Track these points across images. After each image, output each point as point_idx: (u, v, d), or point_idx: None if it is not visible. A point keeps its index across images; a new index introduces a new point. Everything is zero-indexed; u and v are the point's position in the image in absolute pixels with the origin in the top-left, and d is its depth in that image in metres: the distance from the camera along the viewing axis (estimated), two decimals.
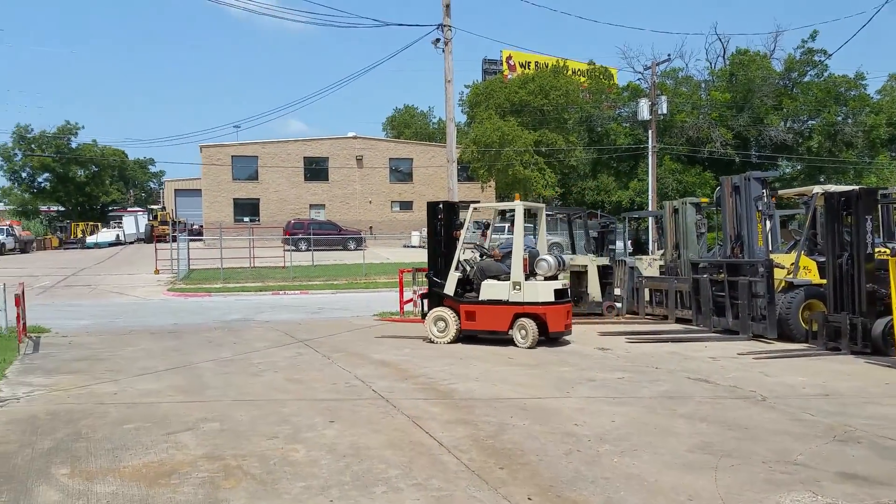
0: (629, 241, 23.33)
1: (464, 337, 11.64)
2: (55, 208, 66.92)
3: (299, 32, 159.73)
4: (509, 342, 11.25)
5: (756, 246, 12.58)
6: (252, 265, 29.84)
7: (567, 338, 11.72)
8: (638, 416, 6.91)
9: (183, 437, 6.34)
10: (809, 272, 12.32)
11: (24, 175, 62.62)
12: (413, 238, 44.02)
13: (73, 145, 62.98)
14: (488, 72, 67.20)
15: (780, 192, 15.39)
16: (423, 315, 12.00)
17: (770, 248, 13.24)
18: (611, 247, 15.96)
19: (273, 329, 13.77)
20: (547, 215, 19.91)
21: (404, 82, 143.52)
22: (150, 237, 48.66)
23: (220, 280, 25.15)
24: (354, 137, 51.71)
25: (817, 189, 12.85)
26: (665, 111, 34.81)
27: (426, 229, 12.37)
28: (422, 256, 34.00)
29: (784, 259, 12.69)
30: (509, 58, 64.24)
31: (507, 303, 11.05)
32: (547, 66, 51.42)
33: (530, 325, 10.87)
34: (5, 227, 44.60)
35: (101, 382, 8.86)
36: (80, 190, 64.04)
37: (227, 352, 11.11)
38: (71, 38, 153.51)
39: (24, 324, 12.98)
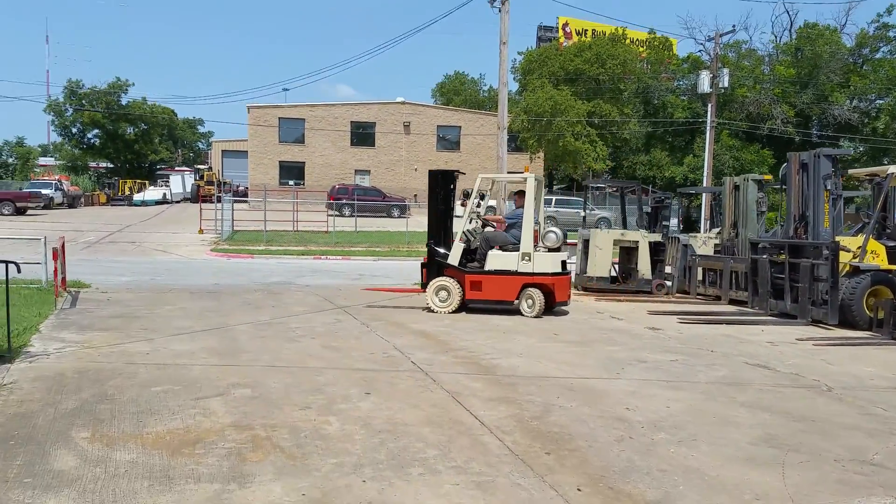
0: (679, 218, 22.46)
1: (466, 308, 11.48)
2: (104, 165, 68.13)
3: None
4: (506, 312, 11.32)
5: (821, 227, 11.77)
6: (295, 229, 29.79)
7: (615, 316, 11.37)
8: (694, 403, 6.39)
9: (212, 403, 6.04)
10: (877, 257, 11.53)
11: (74, 131, 63.73)
12: (458, 208, 43.51)
13: (123, 102, 63.76)
14: (543, 39, 65.55)
15: (850, 171, 14.42)
16: (423, 286, 11.66)
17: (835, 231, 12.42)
18: (664, 223, 15.26)
19: (313, 294, 13.51)
20: (596, 188, 19.27)
21: (456, 49, 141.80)
22: (196, 197, 49.10)
23: (262, 242, 25.11)
24: (402, 103, 51.11)
25: (893, 169, 11.94)
26: (726, 85, 33.37)
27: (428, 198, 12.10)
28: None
29: (850, 242, 11.87)
30: (566, 24, 62.49)
31: (515, 273, 11.13)
32: (605, 35, 49.83)
33: (538, 294, 11.08)
34: (54, 182, 45.43)
35: (134, 341, 8.66)
36: (128, 147, 64.97)
37: (264, 315, 10.86)
38: None
39: (64, 278, 12.98)
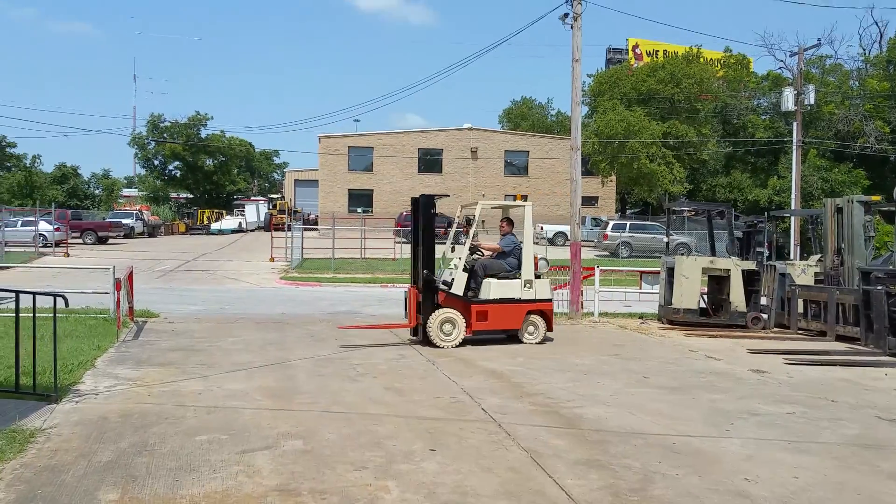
0: (765, 244, 20.89)
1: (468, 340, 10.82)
2: (184, 195, 70.16)
3: (420, 27, 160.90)
4: (501, 342, 10.99)
5: None
6: (363, 256, 29.45)
7: (711, 355, 10.29)
8: (829, 473, 5.28)
9: (258, 459, 5.34)
10: None
11: (156, 163, 65.97)
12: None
13: (203, 135, 65.71)
14: (612, 61, 64.37)
15: None
16: (422, 324, 10.63)
17: None
18: (758, 249, 13.95)
19: None
20: (680, 211, 18.02)
21: (522, 74, 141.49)
22: (269, 225, 49.72)
23: (331, 270, 24.80)
24: (470, 129, 50.72)
25: None
26: (812, 101, 31.41)
27: (411, 225, 11.35)
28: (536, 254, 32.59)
29: None
30: (636, 46, 61.15)
31: (520, 301, 10.96)
32: (677, 55, 48.27)
33: (541, 321, 11.11)
34: (135, 212, 46.79)
35: (188, 378, 8.13)
36: (207, 178, 66.77)
37: (326, 349, 10.24)
38: (195, 26, 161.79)
39: (132, 307, 12.77)
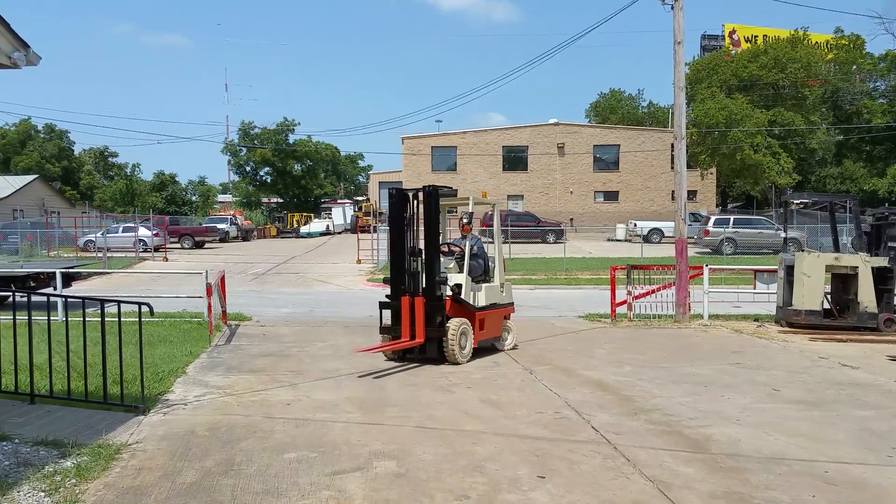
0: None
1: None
2: (275, 200, 71.98)
3: (504, 24, 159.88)
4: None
5: None
6: None
7: (846, 363, 9.27)
8: None
9: (348, 483, 4.85)
10: None
11: (248, 169, 67.93)
12: (618, 231, 40.98)
13: (291, 141, 67.15)
14: (707, 48, 61.50)
15: None
16: (384, 330, 9.45)
17: None
18: (891, 244, 12.54)
19: None
20: (798, 203, 16.58)
21: (611, 66, 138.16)
22: (355, 227, 50.20)
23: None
24: (556, 124, 49.52)
25: None
26: None
27: (389, 224, 9.99)
28: (630, 251, 31.28)
29: None
30: (732, 31, 58.22)
31: (502, 305, 10.34)
32: (779, 39, 45.45)
33: (511, 326, 10.58)
34: (229, 217, 48.16)
35: (278, 387, 7.83)
36: (296, 183, 68.23)
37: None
38: (280, 33, 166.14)
39: (224, 311, 12.77)
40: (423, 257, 9.14)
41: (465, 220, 9.90)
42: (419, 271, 9.20)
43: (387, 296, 9.51)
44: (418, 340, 9.02)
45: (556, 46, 64.79)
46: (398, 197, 9.43)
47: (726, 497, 4.59)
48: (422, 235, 9.32)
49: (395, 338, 9.17)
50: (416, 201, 9.43)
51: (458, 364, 8.99)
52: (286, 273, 26.47)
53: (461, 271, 9.66)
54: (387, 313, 9.45)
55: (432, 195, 9.25)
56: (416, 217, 9.42)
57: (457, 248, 10.25)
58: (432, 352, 9.15)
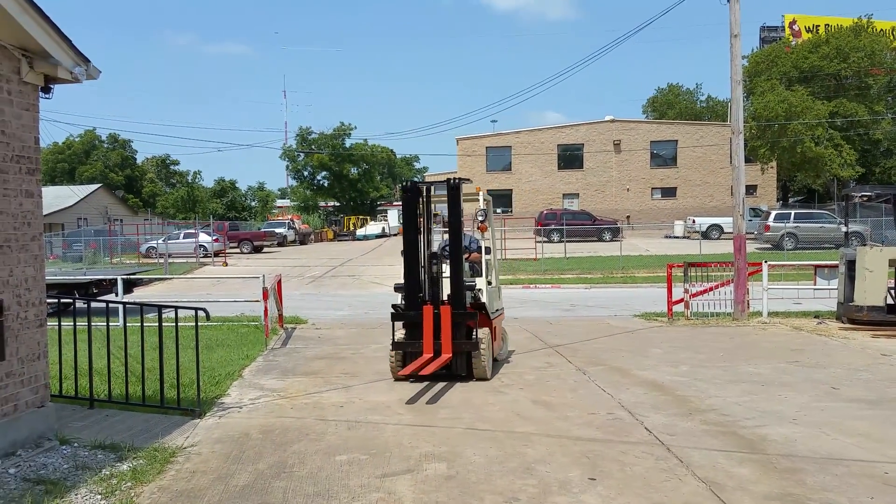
0: None
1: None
2: (332, 203, 73.04)
3: (559, 22, 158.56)
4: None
5: None
6: (503, 257, 28.97)
7: None
8: None
9: (399, 485, 4.90)
10: None
11: (305, 174, 69.09)
12: (676, 228, 40.18)
13: (347, 144, 68.05)
14: (766, 40, 59.63)
15: None
16: (398, 346, 8.17)
17: None
18: None
19: (522, 329, 12.25)
20: (861, 196, 15.98)
21: (668, 61, 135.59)
22: None
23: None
24: (612, 121, 48.87)
25: None
26: None
27: (402, 222, 8.55)
28: (688, 248, 30.62)
29: None
30: (793, 22, 56.33)
31: (500, 311, 9.62)
32: (842, 28, 43.76)
33: (507, 332, 10.07)
34: (287, 221, 49.13)
35: (331, 389, 7.96)
36: (352, 186, 69.07)
37: None
38: (336, 39, 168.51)
39: (281, 314, 13.04)
40: (449, 260, 8.09)
41: (480, 218, 8.77)
42: (439, 276, 8.12)
43: (398, 306, 8.31)
44: (445, 356, 7.79)
45: (611, 43, 64.03)
46: (412, 192, 8.26)
47: (781, 498, 4.46)
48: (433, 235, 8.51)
49: (414, 354, 7.97)
50: (429, 196, 8.35)
51: (487, 380, 8.08)
52: (342, 276, 26.87)
53: (473, 274, 8.80)
54: (400, 326, 8.27)
55: (456, 189, 8.13)
56: (428, 214, 8.37)
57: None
58: (460, 368, 8.08)
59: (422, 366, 7.65)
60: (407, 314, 8.16)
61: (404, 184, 8.40)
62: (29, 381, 5.58)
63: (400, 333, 8.29)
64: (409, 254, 8.21)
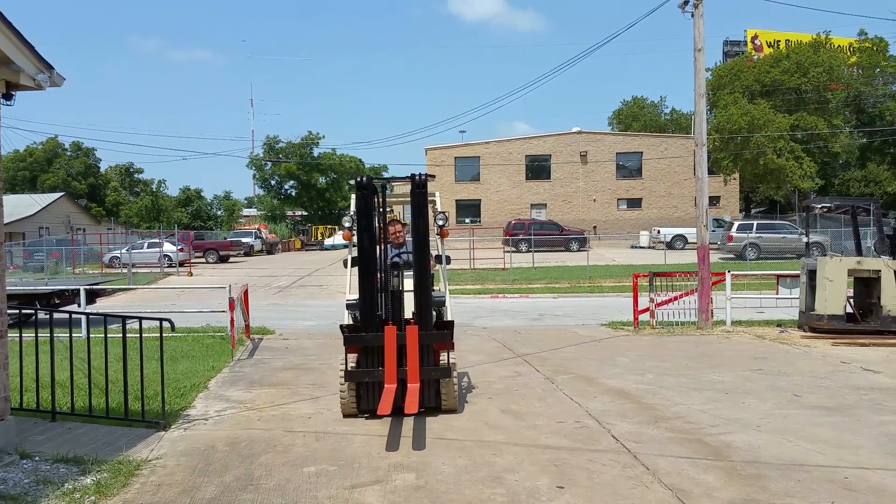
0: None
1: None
2: (299, 213, 72.62)
3: (528, 33, 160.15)
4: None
5: None
6: (472, 267, 29.10)
7: (868, 367, 9.16)
8: None
9: (367, 496, 4.88)
10: None
11: (272, 183, 68.61)
12: (642, 238, 40.75)
13: (315, 154, 67.76)
14: (729, 54, 61.07)
15: None
16: (351, 377, 6.80)
17: None
18: None
19: (490, 339, 12.31)
20: (822, 207, 16.37)
21: (633, 74, 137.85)
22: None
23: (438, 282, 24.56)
24: (578, 132, 49.45)
25: None
26: None
27: (355, 226, 7.08)
28: (653, 258, 31.06)
29: None
30: (755, 37, 57.74)
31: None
32: (802, 44, 44.97)
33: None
34: (254, 231, 48.69)
35: (299, 400, 7.89)
36: (321, 196, 68.78)
37: None
38: (304, 48, 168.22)
39: (247, 325, 12.90)
40: (414, 271, 6.86)
41: (440, 222, 7.66)
42: (401, 291, 6.92)
43: (349, 327, 7.02)
44: (413, 386, 6.49)
45: (578, 55, 64.73)
46: (368, 189, 6.86)
47: None
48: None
49: (372, 385, 6.83)
50: (385, 195, 7.17)
51: (456, 413, 7.00)
52: (310, 286, 26.68)
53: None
54: (350, 352, 6.87)
55: (422, 187, 6.87)
56: (385, 217, 7.18)
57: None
58: (428, 398, 6.93)
59: (389, 402, 6.30)
60: (364, 337, 6.77)
61: (358, 179, 6.83)
62: None
63: (351, 360, 6.86)
64: (365, 264, 6.78)
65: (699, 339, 12.08)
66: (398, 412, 6.45)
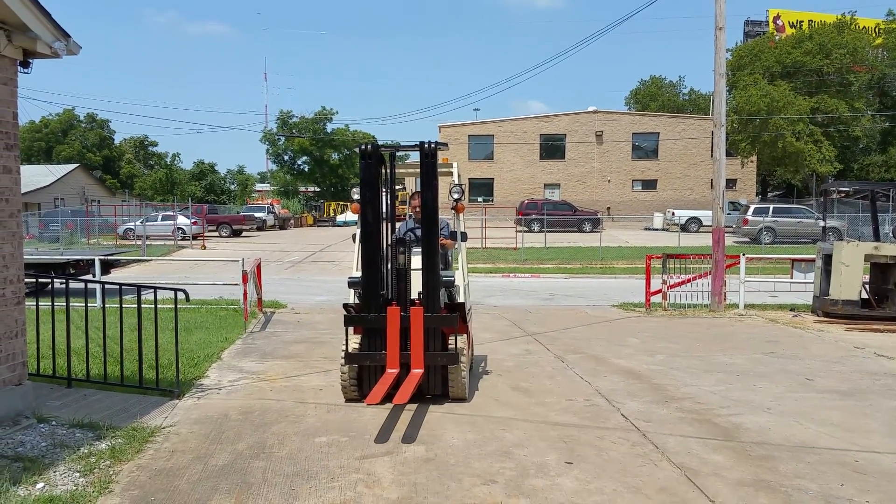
0: None
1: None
2: (312, 189, 72.63)
3: (546, 11, 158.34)
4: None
5: None
6: (484, 246, 29.07)
7: (883, 353, 9.06)
8: None
9: (378, 466, 4.93)
10: None
11: (286, 158, 68.60)
12: (656, 220, 40.49)
13: (329, 129, 67.59)
14: (750, 34, 60.19)
15: None
16: (351, 359, 6.48)
17: None
18: None
19: (501, 317, 12.33)
20: (839, 191, 16.19)
21: (651, 53, 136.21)
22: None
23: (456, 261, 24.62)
24: (594, 112, 49.04)
25: None
26: None
27: (360, 198, 6.64)
28: (667, 240, 30.90)
29: None
30: (777, 17, 56.84)
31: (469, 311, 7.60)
32: (825, 24, 44.17)
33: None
34: (266, 206, 48.77)
35: (311, 373, 7.96)
36: (333, 172, 68.70)
37: None
38: (319, 22, 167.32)
39: (260, 299, 12.98)
40: (422, 248, 6.41)
41: (456, 196, 7.17)
42: (407, 269, 6.50)
43: (352, 306, 6.73)
44: (416, 372, 6.25)
45: (596, 33, 64.13)
46: (374, 158, 6.46)
47: (754, 485, 4.55)
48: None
49: (374, 369, 6.46)
50: (393, 165, 6.89)
51: (465, 401, 6.59)
52: (322, 261, 26.77)
53: (444, 266, 7.11)
54: (356, 333, 6.60)
55: (432, 156, 6.42)
56: (393, 189, 6.97)
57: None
58: (433, 386, 6.57)
59: (390, 389, 5.97)
60: (366, 318, 6.45)
61: (363, 147, 6.46)
62: (6, 358, 5.52)
63: (354, 342, 6.59)
64: (369, 239, 6.46)
65: (711, 321, 12.05)
66: (390, 400, 5.92)
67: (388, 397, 5.92)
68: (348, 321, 6.53)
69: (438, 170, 6.70)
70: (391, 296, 6.53)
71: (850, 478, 4.68)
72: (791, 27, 54.08)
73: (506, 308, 13.74)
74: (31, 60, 5.85)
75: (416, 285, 6.50)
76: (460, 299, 7.03)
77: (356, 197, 6.79)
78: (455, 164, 7.86)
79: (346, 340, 6.53)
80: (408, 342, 6.31)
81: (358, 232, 7.17)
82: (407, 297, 6.45)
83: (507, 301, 15.21)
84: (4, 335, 5.49)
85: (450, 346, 6.47)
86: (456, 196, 7.16)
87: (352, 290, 7.06)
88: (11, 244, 5.61)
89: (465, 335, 6.68)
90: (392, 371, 6.24)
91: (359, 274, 6.78)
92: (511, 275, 21.56)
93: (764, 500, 4.33)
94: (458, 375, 6.46)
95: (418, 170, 6.64)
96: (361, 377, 6.57)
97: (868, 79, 40.16)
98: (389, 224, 6.76)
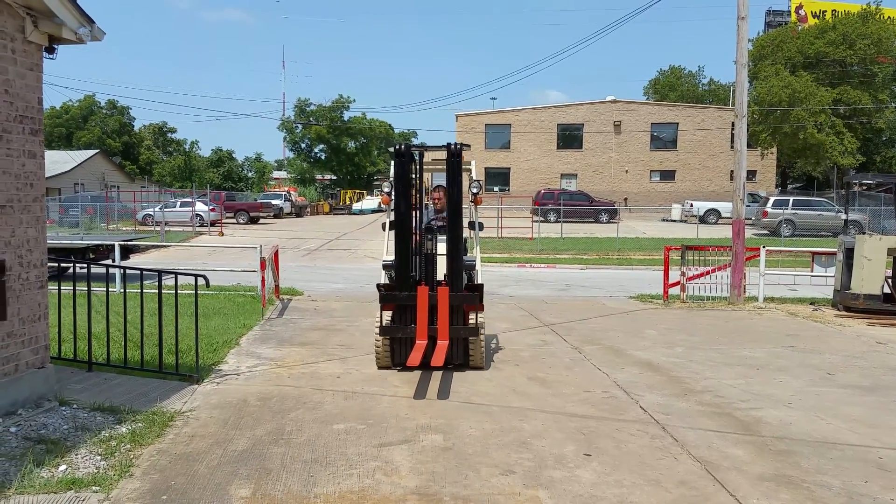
0: None
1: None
2: (328, 177, 72.75)
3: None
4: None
5: None
6: (500, 235, 29.02)
7: None
8: None
9: (396, 454, 4.94)
10: None
11: (302, 146, 68.71)
12: (674, 211, 40.20)
13: (346, 118, 67.60)
14: (772, 24, 59.38)
15: None
16: (385, 331, 7.34)
17: None
18: None
19: (516, 307, 12.30)
20: (861, 183, 15.97)
21: (671, 42, 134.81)
22: None
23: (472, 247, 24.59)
24: (613, 102, 48.66)
25: None
26: None
27: (394, 192, 7.75)
28: (685, 232, 30.69)
29: None
30: (799, 7, 55.96)
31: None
32: (849, 14, 43.44)
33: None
34: (283, 193, 48.96)
35: (328, 360, 7.98)
36: (350, 160, 68.77)
37: None
38: (337, 10, 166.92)
39: (277, 286, 13.03)
40: (447, 236, 7.30)
41: (474, 190, 8.13)
42: (434, 254, 7.44)
43: (385, 286, 7.60)
44: (442, 343, 7.07)
45: (615, 21, 63.45)
46: (406, 157, 7.36)
47: (775, 479, 4.51)
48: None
49: (405, 341, 7.31)
50: (423, 163, 7.72)
51: (483, 370, 7.48)
52: (338, 249, 26.83)
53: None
54: (385, 310, 7.37)
55: (458, 155, 7.30)
56: (423, 183, 7.70)
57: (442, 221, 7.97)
58: (456, 356, 7.44)
59: (422, 356, 6.91)
60: (398, 296, 7.28)
61: (397, 147, 7.36)
62: (30, 341, 5.59)
63: (386, 317, 7.35)
64: (402, 226, 7.31)
65: (730, 314, 11.95)
66: (427, 367, 7.05)
67: (422, 365, 6.99)
68: (383, 299, 7.38)
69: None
70: (419, 277, 7.41)
71: (873, 475, 4.63)
72: (814, 17, 53.22)
73: (521, 298, 13.70)
74: (55, 46, 5.88)
75: (441, 268, 7.43)
76: (478, 281, 7.80)
77: (386, 190, 8.09)
78: (473, 162, 8.56)
79: (381, 316, 7.36)
80: (434, 317, 7.17)
81: (387, 221, 8.17)
82: (434, 279, 7.38)
83: (523, 291, 15.17)
84: (28, 318, 5.55)
85: (470, 322, 7.33)
86: (475, 191, 8.18)
87: (383, 272, 7.96)
88: (35, 228, 5.66)
89: (483, 312, 7.46)
90: (421, 342, 7.10)
91: (391, 258, 7.62)
92: (527, 265, 21.49)
93: (786, 495, 4.29)
94: (478, 346, 7.38)
95: (441, 167, 7.48)
96: (393, 348, 7.48)
97: (892, 70, 39.47)
98: (419, 213, 7.57)
